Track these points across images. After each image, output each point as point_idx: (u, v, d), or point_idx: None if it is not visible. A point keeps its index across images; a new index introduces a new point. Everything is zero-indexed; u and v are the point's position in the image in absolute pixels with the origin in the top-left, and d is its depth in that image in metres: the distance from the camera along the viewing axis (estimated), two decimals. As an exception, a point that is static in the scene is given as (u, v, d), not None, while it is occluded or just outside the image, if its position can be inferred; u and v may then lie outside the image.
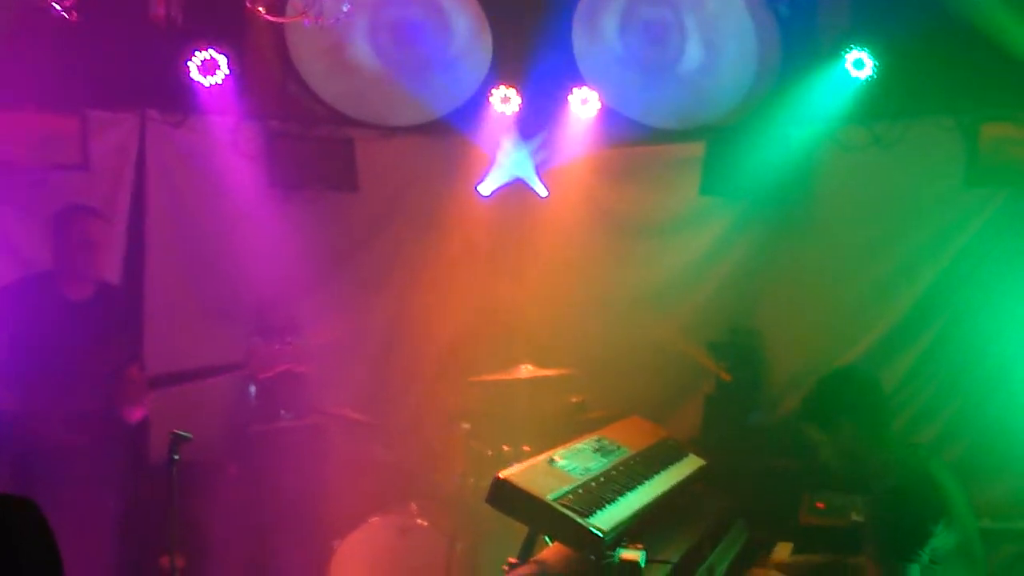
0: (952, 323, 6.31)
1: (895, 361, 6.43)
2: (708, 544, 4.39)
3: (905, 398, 6.39)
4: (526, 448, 6.01)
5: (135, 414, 5.13)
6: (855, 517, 5.42)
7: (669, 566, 3.82)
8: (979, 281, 6.19)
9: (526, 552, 3.99)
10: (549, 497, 3.73)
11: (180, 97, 6.42)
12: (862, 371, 4.54)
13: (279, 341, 5.81)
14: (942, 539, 3.73)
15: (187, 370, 5.08)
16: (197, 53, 6.30)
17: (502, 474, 3.80)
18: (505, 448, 6.15)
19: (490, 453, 6.06)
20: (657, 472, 4.56)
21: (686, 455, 5.01)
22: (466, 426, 6.19)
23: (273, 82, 6.83)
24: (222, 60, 6.32)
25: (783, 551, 4.78)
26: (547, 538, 4.03)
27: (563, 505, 3.73)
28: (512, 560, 3.91)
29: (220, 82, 6.36)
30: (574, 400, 6.63)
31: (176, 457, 4.29)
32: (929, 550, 3.70)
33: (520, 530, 4.05)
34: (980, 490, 5.79)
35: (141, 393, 5.00)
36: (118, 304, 5.41)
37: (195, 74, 6.32)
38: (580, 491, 3.92)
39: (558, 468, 4.07)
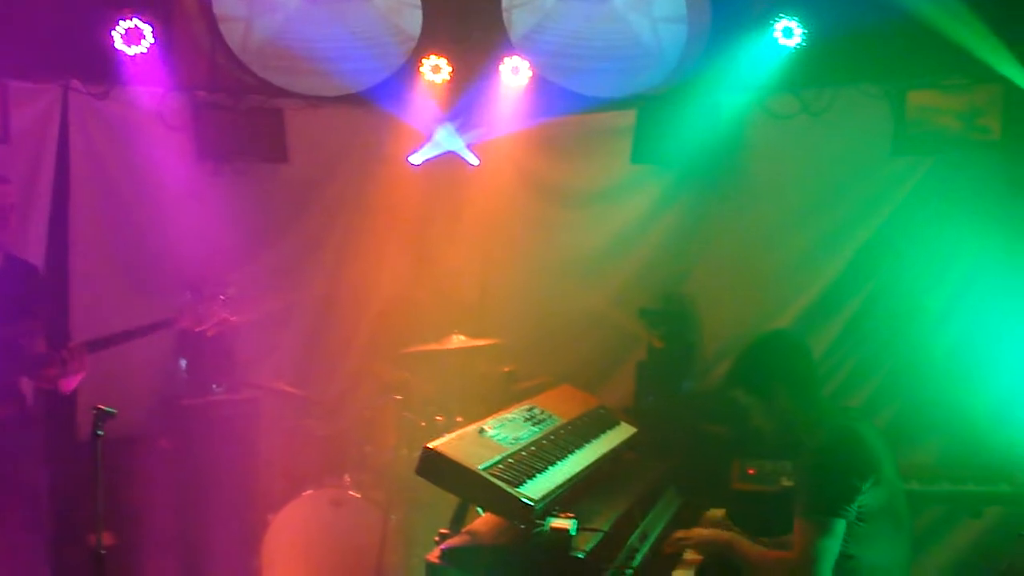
0: (879, 290, 6.35)
1: (824, 327, 6.46)
2: (640, 511, 4.37)
3: (834, 364, 6.43)
4: (459, 419, 5.98)
5: (69, 384, 5.00)
6: (785, 482, 5.44)
7: (600, 534, 3.79)
8: (904, 249, 6.24)
9: (457, 522, 3.97)
10: (479, 467, 3.71)
11: (104, 67, 6.28)
12: (790, 336, 4.57)
13: (212, 295, 5.73)
14: (869, 497, 3.75)
15: (117, 333, 4.96)
16: (121, 22, 6.17)
17: (431, 444, 3.77)
18: (438, 419, 6.13)
19: (423, 424, 6.03)
20: (588, 441, 4.55)
21: (618, 423, 5.00)
22: (398, 397, 6.16)
23: (200, 52, 6.71)
24: (147, 29, 6.20)
25: (715, 517, 4.79)
26: (479, 508, 3.99)
27: (492, 475, 3.71)
28: (443, 531, 3.88)
29: (145, 52, 6.24)
30: (506, 370, 6.62)
31: (100, 433, 4.20)
32: (856, 506, 3.73)
33: (454, 501, 4.03)
34: (906, 454, 5.90)
35: (77, 364, 4.87)
36: (31, 276, 5.26)
37: (119, 43, 6.19)
38: (510, 461, 3.90)
39: (488, 438, 4.04)
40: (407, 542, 5.97)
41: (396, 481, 5.93)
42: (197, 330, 5.39)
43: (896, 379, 6.29)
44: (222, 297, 5.29)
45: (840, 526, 3.71)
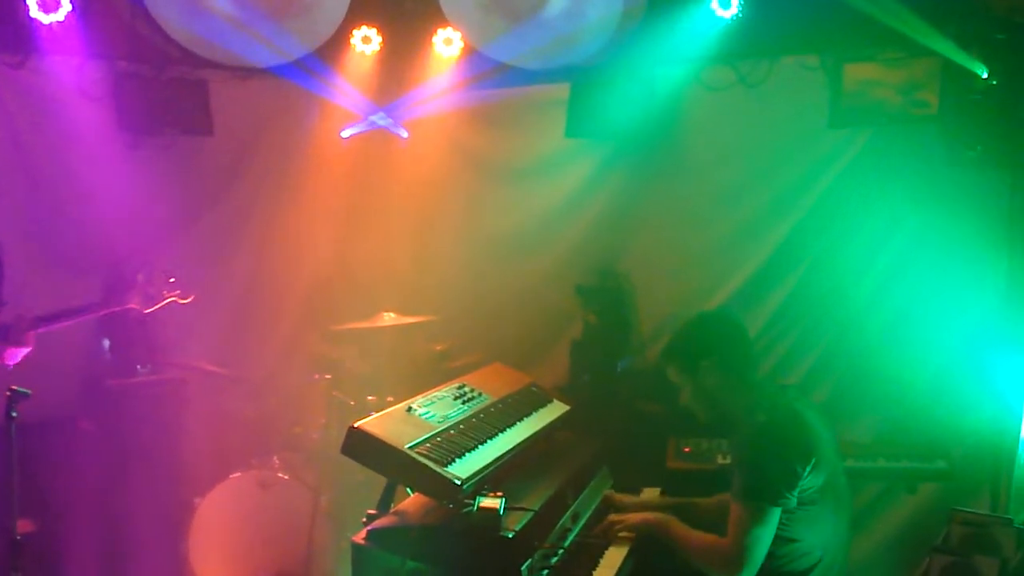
0: (815, 266, 6.38)
1: (760, 304, 6.50)
2: (571, 491, 4.38)
3: (770, 341, 6.47)
4: (390, 399, 5.97)
5: (11, 358, 4.90)
6: (721, 460, 5.48)
7: (530, 514, 3.80)
8: (841, 224, 6.27)
9: (385, 503, 3.95)
10: (405, 446, 3.71)
11: (20, 36, 6.14)
12: (724, 314, 4.60)
13: (162, 276, 5.67)
14: (810, 480, 3.77)
15: (65, 309, 4.86)
16: (37, -11, 6.04)
17: (358, 423, 3.75)
18: (369, 398, 6.12)
19: (353, 403, 6.01)
20: (519, 419, 4.55)
21: (551, 401, 5.01)
22: (328, 376, 6.14)
23: (120, 20, 6.56)
24: (64, -5, 6.07)
25: (650, 495, 4.82)
26: (408, 488, 3.98)
27: (420, 454, 3.71)
28: (371, 511, 3.87)
29: (62, 20, 6.09)
30: (438, 348, 6.64)
31: (14, 415, 4.12)
32: (797, 492, 3.74)
33: (384, 481, 4.01)
34: (843, 431, 5.95)
35: (23, 337, 4.76)
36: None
37: (35, 11, 6.05)
38: (438, 439, 3.90)
39: (416, 416, 4.03)
40: (337, 524, 5.95)
41: (326, 462, 5.91)
42: (146, 312, 5.34)
43: (832, 356, 6.33)
44: (172, 279, 5.21)
45: (776, 514, 3.73)
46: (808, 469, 3.76)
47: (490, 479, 3.89)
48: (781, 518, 3.78)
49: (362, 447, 3.73)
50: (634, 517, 4.26)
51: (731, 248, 6.61)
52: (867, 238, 6.18)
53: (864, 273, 6.20)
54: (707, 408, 4.09)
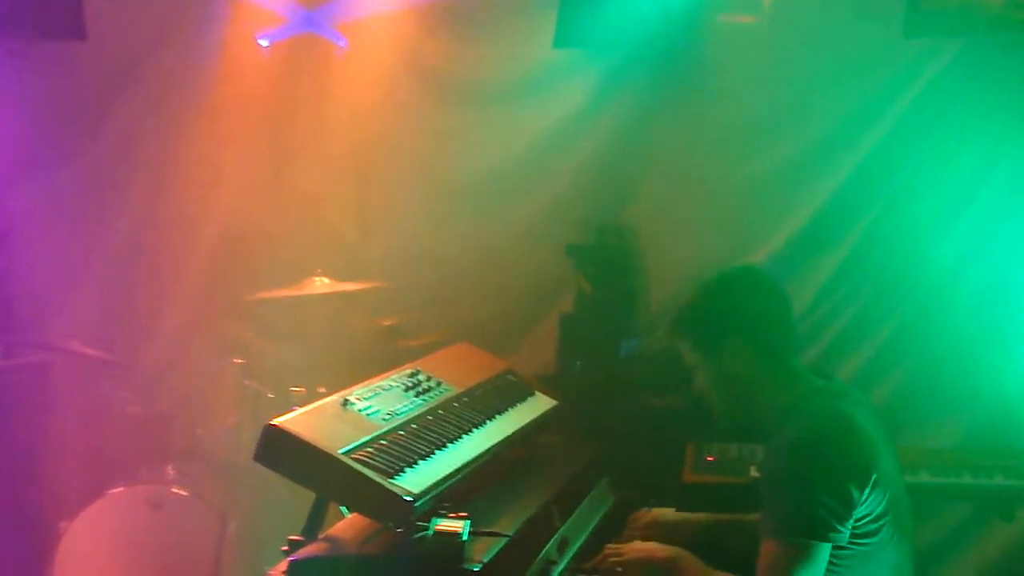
0: (880, 222, 6.40)
1: (808, 271, 6.53)
2: (559, 512, 4.36)
3: (819, 320, 6.50)
4: (322, 390, 5.95)
5: None
6: (756, 473, 5.45)
7: (504, 540, 3.75)
8: (916, 166, 6.28)
9: (312, 527, 3.91)
10: (339, 451, 3.66)
11: None
12: (762, 275, 4.46)
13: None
14: (868, 507, 3.68)
15: None
16: None
17: (276, 421, 3.71)
18: (294, 390, 6.17)
19: (272, 396, 6.07)
20: (491, 417, 4.54)
21: (532, 394, 5.00)
22: (240, 361, 6.16)
23: None
24: None
25: (662, 518, 4.76)
26: (343, 507, 3.98)
27: (358, 461, 3.66)
28: (294, 537, 3.82)
29: None
30: (386, 324, 6.65)
31: None
32: (851, 523, 3.69)
33: (310, 498, 3.98)
34: (915, 437, 6.02)
35: None
36: None
37: None
38: (383, 442, 3.86)
39: (354, 412, 4.00)
40: (250, 555, 5.99)
41: (236, 474, 5.95)
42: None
43: (902, 340, 6.36)
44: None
45: (825, 552, 3.66)
46: (866, 493, 3.68)
47: (451, 495, 3.85)
48: (831, 555, 3.76)
49: (282, 453, 3.69)
50: (637, 549, 4.21)
51: (770, 197, 6.64)
52: (952, 185, 6.19)
53: (947, 232, 6.21)
54: (729, 401, 4.02)
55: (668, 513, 4.74)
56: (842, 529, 3.62)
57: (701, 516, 4.56)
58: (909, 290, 6.33)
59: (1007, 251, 6.05)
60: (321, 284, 6.25)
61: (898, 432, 4.17)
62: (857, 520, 3.66)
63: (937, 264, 6.22)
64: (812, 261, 6.54)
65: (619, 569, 4.16)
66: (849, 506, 3.63)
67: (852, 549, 3.68)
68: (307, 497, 3.96)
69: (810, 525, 3.62)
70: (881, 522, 3.72)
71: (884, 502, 3.72)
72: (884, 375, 6.34)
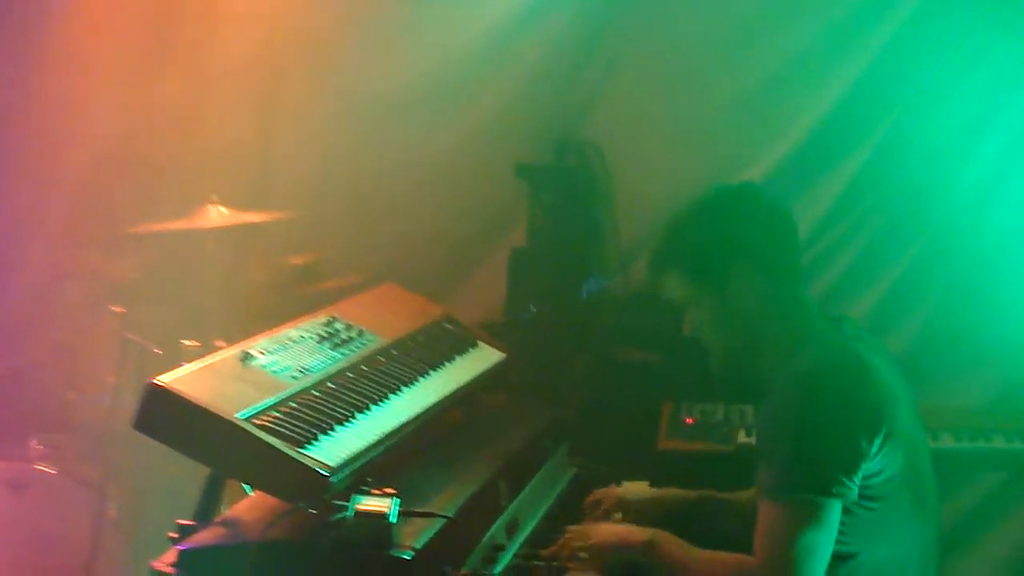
0: (895, 137, 6.40)
1: (805, 197, 6.53)
2: (508, 486, 4.34)
3: (819, 256, 6.51)
4: (220, 343, 5.93)
5: None
6: (745, 439, 5.46)
7: (441, 522, 3.73)
8: (937, 67, 6.27)
9: (206, 508, 3.88)
10: (237, 415, 3.61)
11: None
12: (762, 191, 4.42)
13: None
14: (880, 462, 3.70)
15: None
16: None
17: (160, 379, 3.65)
18: (186, 344, 6.13)
19: (159, 352, 6.05)
20: (424, 373, 4.52)
21: (475, 345, 4.99)
22: (119, 310, 6.13)
23: None
24: None
25: (632, 493, 4.76)
26: (245, 485, 3.96)
27: (261, 427, 3.61)
28: (183, 523, 3.80)
29: None
30: (298, 262, 6.66)
31: None
32: (859, 479, 3.68)
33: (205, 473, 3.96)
34: (939, 394, 6.02)
35: None
36: None
37: None
38: (292, 405, 3.82)
39: (256, 369, 3.95)
40: (133, 543, 5.99)
41: (117, 447, 5.91)
42: None
43: (918, 280, 6.39)
44: None
45: (834, 509, 3.66)
46: (878, 444, 3.69)
47: (376, 468, 3.82)
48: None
49: (166, 418, 3.63)
50: (606, 532, 4.18)
51: (758, 112, 6.65)
52: (975, 97, 6.20)
53: (971, 151, 6.23)
54: (729, 340, 3.99)
55: (638, 489, 4.74)
56: (849, 484, 3.62)
57: (678, 493, 4.56)
58: (926, 220, 6.35)
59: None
60: (218, 215, 6.20)
61: (916, 389, 4.13)
62: (865, 477, 3.67)
63: (960, 189, 6.25)
64: (810, 186, 6.56)
65: (583, 555, 4.13)
66: (857, 456, 3.64)
67: (858, 514, 3.69)
68: (201, 473, 3.92)
69: (813, 477, 3.62)
70: (893, 483, 3.73)
71: (898, 460, 3.73)
72: (898, 322, 6.37)
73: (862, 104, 6.44)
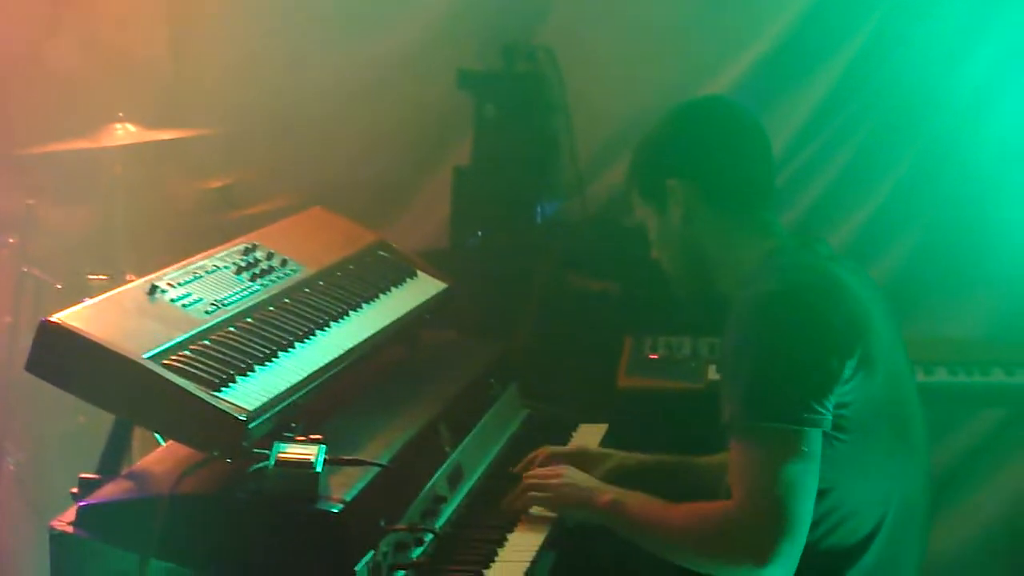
0: (878, 41, 6.43)
1: (780, 108, 6.57)
2: (451, 431, 4.34)
3: (796, 174, 6.56)
4: (131, 277, 5.89)
5: None
6: (714, 375, 5.46)
7: (374, 471, 3.71)
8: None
9: (112, 459, 3.86)
10: (144, 355, 3.58)
11: None
12: (725, 104, 4.47)
13: None
14: (855, 388, 3.70)
15: None
16: None
17: (56, 316, 3.62)
18: (92, 278, 6.12)
19: (60, 287, 6.06)
20: (356, 306, 4.49)
21: (413, 274, 4.97)
22: (14, 241, 6.15)
23: None
24: None
25: (590, 438, 4.82)
26: (157, 434, 3.89)
27: (169, 368, 3.58)
28: (86, 476, 3.78)
29: None
30: (216, 185, 6.66)
31: None
32: (833, 405, 3.68)
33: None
34: (931, 323, 6.13)
35: None
36: None
37: None
38: (205, 343, 3.79)
39: (166, 303, 3.91)
40: (35, 501, 6.00)
41: (15, 392, 5.93)
42: None
43: (907, 199, 6.42)
44: None
45: (814, 439, 3.64)
46: (850, 368, 3.69)
47: (302, 412, 3.81)
48: None
49: (64, 359, 3.60)
50: (566, 487, 4.15)
51: (726, 10, 6.66)
52: None
53: (964, 57, 6.26)
54: (681, 263, 4.05)
55: (594, 432, 4.73)
56: (822, 410, 3.62)
57: (639, 460, 4.55)
58: (915, 132, 6.39)
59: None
60: (125, 133, 6.19)
61: (906, 321, 4.15)
62: (838, 406, 3.67)
63: (952, 97, 6.27)
64: (785, 95, 6.59)
65: (538, 509, 4.17)
66: (829, 379, 3.65)
67: (831, 445, 3.69)
68: (109, 422, 3.91)
69: (784, 404, 3.62)
70: (869, 414, 3.75)
71: (875, 389, 3.74)
72: (885, 246, 6.42)
73: (840, 3, 6.45)
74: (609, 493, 4.02)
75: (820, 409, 3.60)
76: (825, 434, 3.63)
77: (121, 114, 6.22)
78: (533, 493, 4.15)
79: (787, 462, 3.58)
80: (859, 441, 3.71)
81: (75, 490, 3.74)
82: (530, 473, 4.26)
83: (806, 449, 3.59)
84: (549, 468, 4.27)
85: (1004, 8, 6.14)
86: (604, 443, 4.74)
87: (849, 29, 6.44)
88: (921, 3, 6.27)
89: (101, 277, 6.05)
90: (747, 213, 3.96)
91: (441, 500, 4.03)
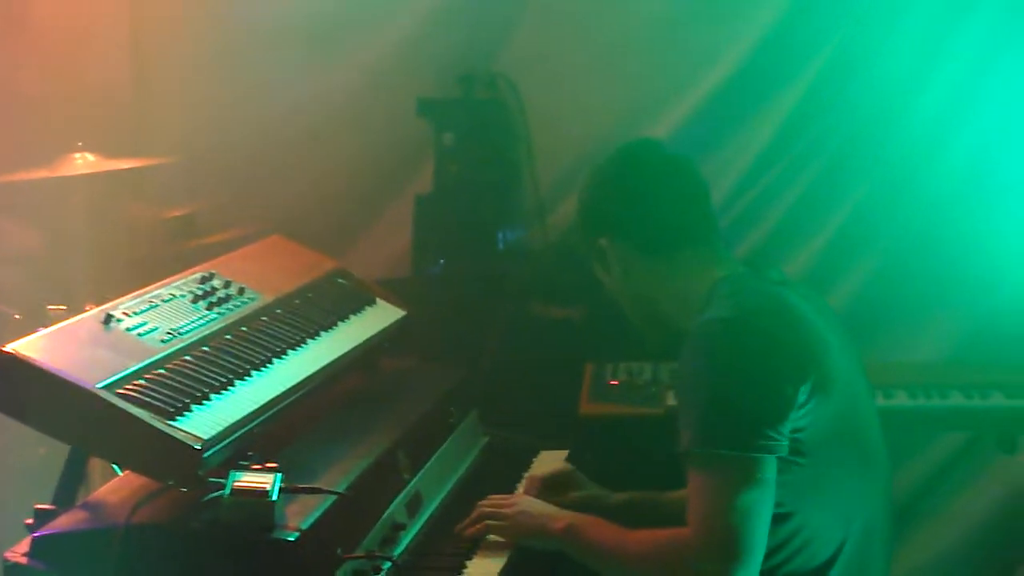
0: (837, 64, 6.41)
1: (739, 132, 6.59)
2: (408, 460, 4.33)
3: (755, 200, 6.57)
4: (90, 307, 5.83)
5: None
6: (673, 401, 5.44)
7: (331, 499, 3.71)
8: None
9: (67, 490, 3.87)
10: (98, 384, 3.57)
11: None
12: (650, 148, 4.44)
13: None
14: (811, 412, 3.69)
15: None
16: None
17: (9, 346, 3.64)
18: (51, 308, 6.01)
19: (19, 317, 6.03)
20: (313, 334, 4.49)
21: (371, 302, 4.98)
22: None
23: None
24: None
25: (551, 464, 4.79)
26: (115, 464, 3.94)
27: (123, 397, 3.57)
28: (41, 507, 3.79)
29: None
30: (176, 214, 6.64)
31: None
32: (788, 430, 3.67)
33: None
34: (892, 347, 6.15)
35: None
36: None
37: None
38: (161, 372, 3.78)
39: (121, 332, 3.91)
40: None
41: None
42: None
43: (867, 224, 6.42)
44: None
45: (769, 466, 3.63)
46: (804, 392, 3.68)
47: (259, 441, 3.80)
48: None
49: (17, 389, 3.60)
50: (522, 514, 4.16)
51: (685, 39, 6.64)
52: (933, 14, 6.21)
53: (925, 79, 6.26)
54: (635, 309, 4.11)
55: (554, 459, 4.74)
56: (776, 436, 3.62)
57: (601, 497, 4.56)
58: (873, 158, 6.39)
59: (1007, 105, 6.10)
60: (84, 162, 6.15)
61: (865, 345, 4.15)
62: (795, 430, 3.66)
63: (910, 124, 6.28)
64: (745, 120, 6.58)
65: (495, 537, 4.16)
66: (784, 405, 3.64)
67: (789, 471, 3.68)
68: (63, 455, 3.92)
69: (735, 430, 3.62)
70: (825, 438, 3.74)
71: (831, 414, 3.74)
72: (844, 271, 6.42)
73: (800, 29, 6.44)
74: (565, 519, 4.03)
75: (774, 435, 3.60)
76: (783, 459, 3.63)
77: (80, 143, 6.19)
78: (489, 522, 4.15)
79: (741, 490, 3.58)
80: (818, 465, 3.71)
81: (30, 521, 3.73)
82: (485, 502, 4.25)
83: (760, 476, 3.59)
84: (503, 496, 4.27)
85: (962, 34, 6.14)
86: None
87: (809, 53, 6.44)
88: (880, 29, 6.28)
89: (60, 307, 6.01)
90: (685, 253, 3.97)
91: (400, 528, 4.02)
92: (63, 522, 3.67)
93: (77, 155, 6.17)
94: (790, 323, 3.76)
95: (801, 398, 3.63)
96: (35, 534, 3.63)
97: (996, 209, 6.03)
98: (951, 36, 6.17)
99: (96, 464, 4.34)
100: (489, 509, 4.19)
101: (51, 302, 6.02)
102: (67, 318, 5.54)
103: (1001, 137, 6.08)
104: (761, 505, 3.60)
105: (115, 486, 3.85)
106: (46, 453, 5.70)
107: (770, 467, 3.60)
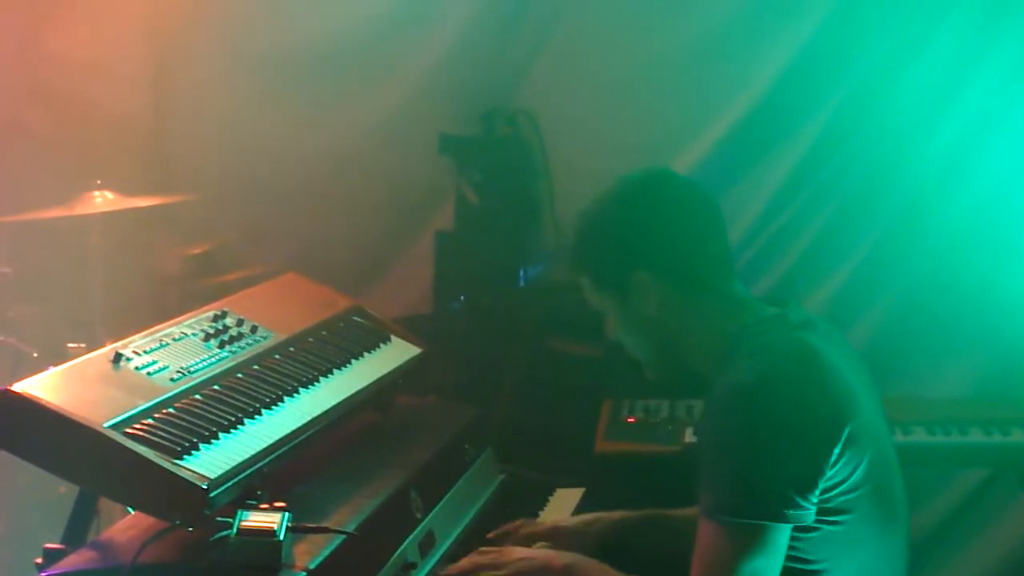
0: (851, 108, 6.41)
1: (755, 173, 6.58)
2: (420, 498, 4.29)
3: (771, 240, 6.57)
4: (108, 344, 5.85)
5: None
6: (691, 438, 5.44)
7: (339, 539, 3.68)
8: (897, 29, 6.28)
9: (77, 530, 3.86)
10: (104, 423, 3.54)
11: None
12: (671, 179, 4.31)
13: None
14: (842, 473, 3.63)
15: None
16: None
17: (16, 386, 3.61)
18: (71, 347, 6.02)
19: (37, 356, 6.04)
20: (327, 372, 4.45)
21: (387, 339, 4.92)
22: None
23: None
24: None
25: (566, 502, 4.80)
26: (128, 505, 3.87)
27: (131, 437, 3.54)
28: (51, 546, 3.77)
29: None
30: (196, 251, 6.65)
31: None
32: (817, 496, 3.61)
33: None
34: (910, 384, 6.11)
35: None
36: None
37: None
38: (169, 411, 3.75)
39: (130, 371, 3.89)
40: (16, 574, 5.97)
41: None
42: None
43: (884, 263, 6.41)
44: None
45: (784, 533, 3.59)
46: (837, 452, 3.62)
47: (269, 480, 3.77)
48: (791, 538, 3.68)
49: (25, 429, 3.59)
50: (520, 559, 4.11)
51: (708, 68, 6.64)
52: (941, 62, 6.20)
53: (937, 123, 6.24)
54: (653, 351, 3.96)
55: (571, 496, 4.71)
56: (806, 505, 3.55)
57: (617, 515, 4.50)
58: (889, 199, 6.38)
59: (1020, 140, 6.08)
60: (103, 200, 6.17)
61: (884, 382, 4.09)
62: (825, 491, 3.59)
63: (923, 165, 6.27)
64: (763, 157, 6.58)
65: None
66: (816, 472, 3.56)
67: (819, 530, 3.63)
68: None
69: (761, 501, 3.54)
70: (858, 493, 3.66)
71: (863, 466, 3.66)
72: (862, 309, 6.40)
73: (815, 68, 6.43)
74: (564, 558, 4.01)
75: (803, 504, 3.54)
76: (814, 521, 3.58)
77: (99, 181, 6.21)
78: (488, 573, 4.09)
79: (752, 556, 3.53)
80: (850, 520, 3.66)
81: (39, 560, 3.71)
82: (484, 550, 4.19)
83: (774, 543, 3.54)
84: (500, 549, 4.20)
85: (976, 75, 6.14)
86: (581, 507, 4.72)
87: (825, 93, 6.44)
88: (894, 69, 6.27)
89: (80, 346, 6.01)
90: (714, 289, 3.87)
91: (411, 567, 3.98)
92: (71, 561, 3.65)
93: (96, 193, 6.19)
94: (821, 382, 3.65)
95: (833, 458, 3.57)
96: (43, 574, 3.61)
97: (1014, 246, 6.02)
98: (966, 76, 6.16)
99: (113, 503, 4.32)
100: (487, 561, 4.12)
101: (71, 340, 6.03)
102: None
103: (1017, 174, 6.06)
104: (768, 571, 3.56)
105: (125, 525, 3.82)
106: (65, 492, 5.69)
107: (785, 534, 3.55)
